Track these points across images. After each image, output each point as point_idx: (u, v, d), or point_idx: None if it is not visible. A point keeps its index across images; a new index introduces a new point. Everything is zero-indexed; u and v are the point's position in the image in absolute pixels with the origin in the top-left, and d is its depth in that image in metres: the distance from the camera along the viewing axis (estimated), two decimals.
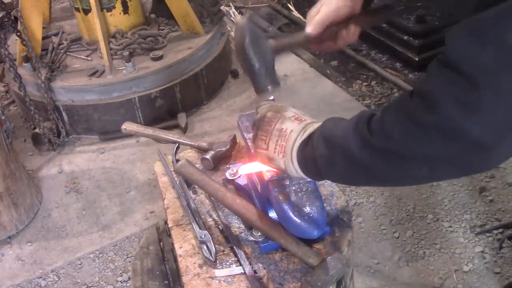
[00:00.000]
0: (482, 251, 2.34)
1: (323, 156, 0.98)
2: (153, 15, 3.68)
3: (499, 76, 0.73)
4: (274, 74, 1.09)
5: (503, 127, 0.75)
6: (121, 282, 2.39)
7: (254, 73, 1.08)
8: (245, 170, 1.37)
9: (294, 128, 1.05)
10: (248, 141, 1.31)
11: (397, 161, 0.86)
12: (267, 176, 1.23)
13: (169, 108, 3.28)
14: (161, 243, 1.65)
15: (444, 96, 0.76)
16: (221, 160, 1.61)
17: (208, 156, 1.58)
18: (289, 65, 3.77)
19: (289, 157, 1.04)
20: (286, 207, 1.20)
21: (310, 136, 1.02)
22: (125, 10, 3.38)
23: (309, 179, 1.24)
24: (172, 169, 1.59)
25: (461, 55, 0.76)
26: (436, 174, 0.87)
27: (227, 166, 1.58)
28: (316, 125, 1.05)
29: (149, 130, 1.72)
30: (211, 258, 1.28)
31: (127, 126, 1.71)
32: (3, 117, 2.55)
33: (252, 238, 1.31)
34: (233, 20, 4.41)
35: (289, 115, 1.08)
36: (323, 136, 0.98)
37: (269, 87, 1.09)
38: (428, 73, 0.81)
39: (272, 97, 1.30)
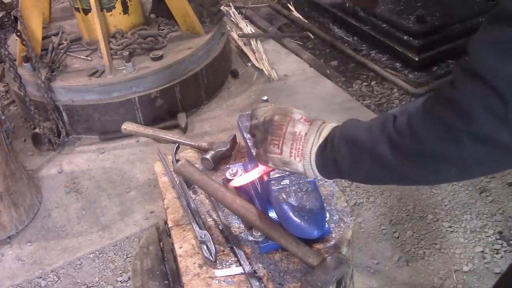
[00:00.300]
0: (482, 251, 2.34)
1: (346, 158, 0.99)
2: (153, 15, 3.68)
3: None
4: None
5: None
6: (121, 282, 2.39)
7: None
8: (240, 182, 1.32)
9: (307, 130, 1.06)
10: (250, 146, 1.30)
11: (427, 163, 0.90)
12: (267, 176, 1.23)
13: (169, 108, 3.28)
14: (161, 243, 1.65)
15: (476, 107, 0.81)
16: (221, 160, 1.61)
17: (208, 156, 1.58)
18: (289, 65, 3.77)
19: (308, 159, 1.05)
20: (286, 207, 1.20)
21: (326, 138, 1.04)
22: (125, 10, 3.38)
23: (309, 179, 1.24)
24: (172, 169, 1.59)
25: (488, 68, 0.79)
26: (464, 174, 0.91)
27: (227, 166, 1.58)
28: (329, 126, 1.07)
29: (149, 130, 1.71)
30: (211, 258, 1.28)
31: (127, 126, 1.71)
32: (3, 117, 2.55)
33: (252, 238, 1.31)
34: (233, 20, 4.41)
35: (297, 117, 1.08)
36: (345, 139, 1.00)
37: None
38: (456, 80, 0.84)
39: (265, 97, 1.30)
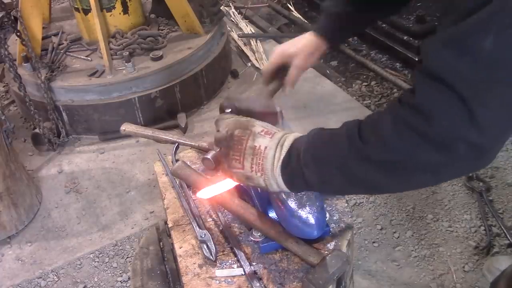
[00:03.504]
0: (482, 251, 2.34)
1: (314, 174, 0.97)
2: (153, 15, 3.68)
3: (482, 85, 0.77)
4: None
5: (496, 130, 0.81)
6: (121, 282, 2.39)
7: None
8: (205, 194, 1.29)
9: (267, 144, 1.03)
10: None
11: (399, 171, 0.88)
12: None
13: (169, 108, 3.28)
14: (161, 243, 1.65)
15: (438, 110, 0.80)
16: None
17: (209, 156, 1.57)
18: None
19: (270, 174, 1.02)
20: (286, 207, 1.20)
21: (290, 151, 1.01)
22: (125, 10, 3.38)
23: None
24: None
25: (443, 67, 0.79)
26: (438, 178, 0.90)
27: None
28: (291, 137, 1.03)
29: (148, 131, 1.71)
30: (211, 257, 1.28)
31: (126, 127, 1.70)
32: (3, 117, 2.55)
33: (252, 238, 1.31)
34: (233, 20, 4.41)
35: (258, 130, 1.06)
36: (312, 155, 0.97)
37: None
38: (416, 85, 0.84)
39: (229, 110, 1.26)
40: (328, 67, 3.76)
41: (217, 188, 1.26)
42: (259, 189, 1.36)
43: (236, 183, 1.19)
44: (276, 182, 1.03)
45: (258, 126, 1.07)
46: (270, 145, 1.02)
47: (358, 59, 3.79)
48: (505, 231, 2.38)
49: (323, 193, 1.08)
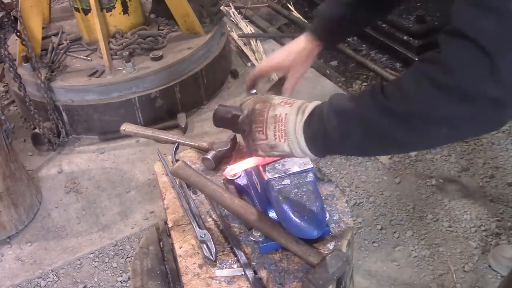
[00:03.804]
0: (482, 251, 2.34)
1: (336, 129, 1.00)
2: (153, 15, 3.68)
3: (505, 40, 0.80)
4: None
5: None
6: (121, 282, 2.39)
7: None
8: (231, 171, 1.33)
9: (288, 111, 1.07)
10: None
11: (417, 122, 0.90)
12: (267, 176, 1.23)
13: (169, 108, 3.28)
14: (161, 243, 1.65)
15: (461, 63, 0.83)
16: (222, 160, 1.61)
17: (209, 156, 1.58)
18: None
19: (293, 138, 1.05)
20: (286, 207, 1.20)
21: (313, 112, 1.05)
22: (125, 10, 3.38)
23: (309, 179, 1.24)
24: None
25: (468, 24, 0.83)
26: (457, 133, 0.92)
27: (227, 166, 1.58)
28: (312, 104, 1.08)
29: (148, 131, 1.71)
30: (211, 257, 1.28)
31: (126, 127, 1.70)
32: (3, 117, 2.55)
33: (252, 238, 1.31)
34: (233, 20, 4.41)
35: (277, 101, 1.10)
36: (334, 110, 1.01)
37: None
38: (441, 44, 0.87)
39: (254, 91, 1.33)
40: (328, 67, 3.76)
41: (243, 165, 1.28)
42: (258, 189, 1.36)
43: (264, 160, 1.23)
44: (299, 145, 1.06)
45: (277, 98, 1.12)
46: (290, 111, 1.07)
47: (358, 59, 3.79)
48: None
49: (340, 153, 1.11)
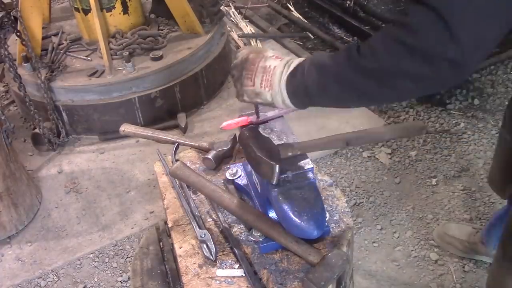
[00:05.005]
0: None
1: (315, 81, 1.10)
2: (153, 15, 3.68)
3: (462, 9, 0.90)
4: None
5: (471, 47, 0.92)
6: (121, 282, 2.39)
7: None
8: (227, 126, 1.41)
9: (277, 64, 1.18)
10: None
11: (385, 77, 1.00)
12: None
13: (169, 108, 3.28)
14: (161, 243, 1.65)
15: (424, 27, 0.92)
16: (222, 160, 1.61)
17: (210, 156, 1.58)
18: None
19: (277, 88, 1.16)
20: (286, 207, 1.20)
21: (297, 68, 1.14)
22: (125, 10, 3.38)
23: (309, 179, 1.24)
24: None
25: None
26: (421, 88, 1.01)
27: (227, 166, 1.58)
28: (298, 60, 1.17)
29: (148, 131, 1.71)
30: (211, 257, 1.28)
31: (126, 128, 1.70)
32: (3, 117, 2.54)
33: (252, 238, 1.31)
34: (233, 20, 4.41)
35: (270, 54, 1.21)
36: (314, 65, 1.11)
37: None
38: (409, 9, 0.96)
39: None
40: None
41: (237, 122, 1.38)
42: (258, 189, 1.36)
43: (250, 121, 1.37)
44: (281, 96, 1.16)
45: (270, 51, 1.23)
46: (279, 64, 1.17)
47: None
48: None
49: (321, 104, 1.18)
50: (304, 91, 1.12)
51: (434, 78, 0.97)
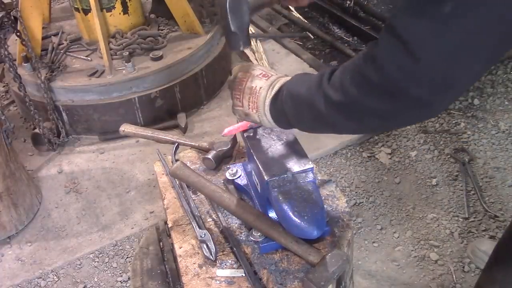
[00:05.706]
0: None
1: (291, 109, 1.11)
2: (153, 15, 3.68)
3: (433, 46, 0.83)
4: (247, 36, 1.18)
5: (441, 86, 0.86)
6: (121, 282, 2.39)
7: (230, 33, 1.17)
8: (229, 132, 1.44)
9: (262, 85, 1.18)
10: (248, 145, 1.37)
11: (353, 114, 0.98)
12: (267, 176, 1.24)
13: (169, 108, 3.28)
14: (161, 243, 1.65)
15: (388, 60, 0.87)
16: (223, 160, 1.61)
17: (210, 156, 1.58)
18: (289, 65, 3.77)
19: (262, 111, 1.17)
20: (286, 207, 1.20)
21: (278, 92, 1.15)
22: (125, 10, 3.38)
23: (309, 179, 1.24)
24: None
25: (402, 25, 0.86)
26: (387, 124, 1.03)
27: (227, 166, 1.58)
28: (282, 80, 1.17)
29: (147, 131, 1.71)
30: (211, 257, 1.28)
31: (125, 128, 1.70)
32: (3, 117, 2.54)
33: (252, 238, 1.31)
34: None
35: (257, 73, 1.21)
36: (290, 94, 1.11)
37: (241, 46, 1.19)
38: (379, 38, 0.92)
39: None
40: (328, 67, 3.76)
41: (237, 127, 1.41)
42: (258, 189, 1.36)
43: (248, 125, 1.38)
44: (266, 118, 1.18)
45: (258, 69, 1.22)
46: (264, 86, 1.18)
47: None
48: (485, 207, 2.49)
49: (300, 129, 1.18)
50: (285, 117, 1.13)
51: (400, 116, 0.93)
